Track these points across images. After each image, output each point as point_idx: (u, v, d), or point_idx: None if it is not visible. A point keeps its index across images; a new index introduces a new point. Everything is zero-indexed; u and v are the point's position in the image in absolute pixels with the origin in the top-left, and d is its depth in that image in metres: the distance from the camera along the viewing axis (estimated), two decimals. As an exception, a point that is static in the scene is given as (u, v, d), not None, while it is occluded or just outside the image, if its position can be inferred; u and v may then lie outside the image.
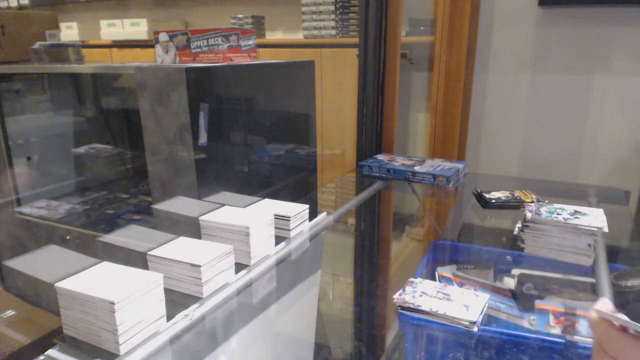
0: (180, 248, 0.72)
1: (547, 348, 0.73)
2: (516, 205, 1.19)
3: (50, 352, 0.58)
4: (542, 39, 1.92)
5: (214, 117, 1.02)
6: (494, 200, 1.21)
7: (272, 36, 2.89)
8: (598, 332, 0.48)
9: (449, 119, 1.91)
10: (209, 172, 1.03)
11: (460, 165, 1.44)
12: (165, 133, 1.01)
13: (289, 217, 0.90)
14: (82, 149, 1.77)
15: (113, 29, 3.14)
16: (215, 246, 0.73)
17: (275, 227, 0.87)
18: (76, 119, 1.78)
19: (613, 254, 0.93)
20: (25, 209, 1.55)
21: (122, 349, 0.57)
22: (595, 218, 0.94)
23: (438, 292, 0.79)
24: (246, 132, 1.16)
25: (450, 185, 1.34)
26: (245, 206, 0.90)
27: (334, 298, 1.06)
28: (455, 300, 0.76)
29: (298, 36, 2.65)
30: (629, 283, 0.56)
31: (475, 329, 0.71)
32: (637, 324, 0.46)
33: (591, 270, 0.88)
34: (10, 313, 1.35)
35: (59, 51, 1.58)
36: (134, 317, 0.58)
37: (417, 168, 1.39)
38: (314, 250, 0.94)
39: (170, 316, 0.64)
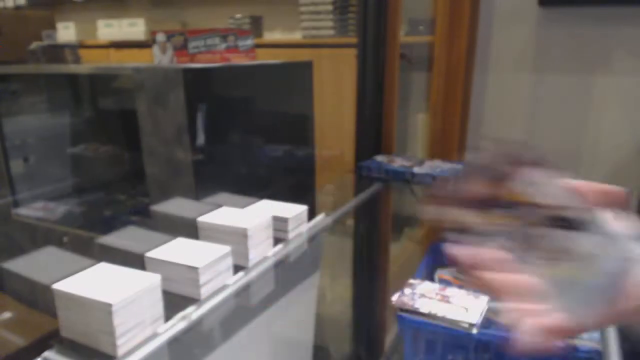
0: (178, 249, 0.72)
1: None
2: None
3: (48, 354, 0.58)
4: (542, 39, 1.92)
5: (211, 117, 1.01)
6: (493, 201, 1.20)
7: (270, 36, 2.89)
8: None
9: (448, 120, 1.91)
10: (207, 173, 1.02)
11: (459, 166, 1.43)
12: (163, 134, 1.01)
13: (287, 219, 0.89)
14: (79, 150, 1.77)
15: (110, 29, 3.13)
16: (213, 248, 0.72)
17: (274, 229, 0.87)
18: (73, 120, 1.77)
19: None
20: (22, 211, 1.55)
21: (120, 351, 0.57)
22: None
23: (437, 294, 0.79)
24: (244, 133, 1.16)
25: (450, 186, 1.34)
26: (244, 207, 0.90)
27: (333, 300, 1.05)
28: (454, 303, 0.76)
29: (296, 36, 2.65)
30: None
31: (475, 331, 0.71)
32: None
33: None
34: (7, 315, 1.34)
35: (56, 52, 1.57)
36: (131, 319, 0.58)
37: (416, 169, 1.39)
38: (312, 251, 0.93)
39: (168, 318, 0.63)
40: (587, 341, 0.75)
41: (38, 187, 1.65)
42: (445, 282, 0.97)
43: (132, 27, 3.09)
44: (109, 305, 0.55)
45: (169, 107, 0.99)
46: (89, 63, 2.02)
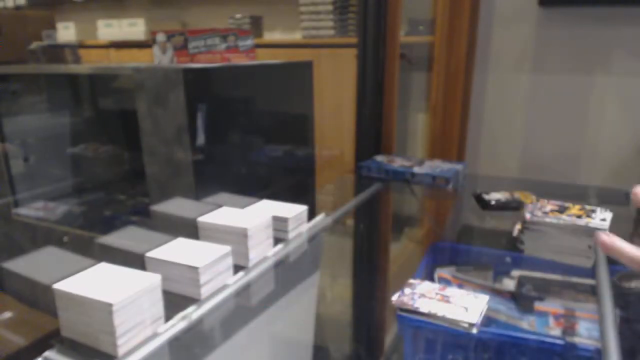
0: (178, 249, 0.72)
1: (546, 350, 0.73)
2: (516, 206, 1.19)
3: (48, 354, 0.58)
4: (542, 39, 1.92)
5: (211, 118, 1.01)
6: (493, 202, 1.21)
7: (270, 36, 2.89)
8: None
9: (448, 120, 1.91)
10: (207, 173, 1.02)
11: (459, 166, 1.43)
12: (163, 134, 1.01)
13: (287, 219, 0.89)
14: (79, 150, 1.77)
15: (110, 29, 3.13)
16: (213, 248, 0.72)
17: (274, 229, 0.87)
18: (73, 120, 1.77)
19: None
20: (22, 210, 1.55)
21: (120, 351, 0.57)
22: (595, 219, 0.94)
23: (437, 293, 0.79)
24: (244, 133, 1.16)
25: (450, 186, 1.34)
26: (244, 207, 0.90)
27: (333, 300, 1.05)
28: (454, 302, 0.76)
29: (296, 36, 2.65)
30: (632, 285, 0.56)
31: (475, 330, 0.71)
32: None
33: (591, 272, 0.88)
34: (7, 315, 1.34)
35: (56, 52, 1.58)
36: (132, 319, 0.58)
37: (416, 169, 1.39)
38: (312, 251, 0.93)
39: (168, 318, 0.63)
40: (587, 340, 0.75)
41: (38, 187, 1.65)
42: (445, 282, 0.97)
43: (132, 27, 3.09)
44: (110, 305, 0.55)
45: (169, 107, 0.99)
46: (89, 63, 2.02)
